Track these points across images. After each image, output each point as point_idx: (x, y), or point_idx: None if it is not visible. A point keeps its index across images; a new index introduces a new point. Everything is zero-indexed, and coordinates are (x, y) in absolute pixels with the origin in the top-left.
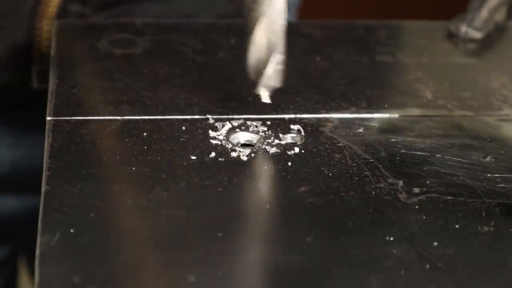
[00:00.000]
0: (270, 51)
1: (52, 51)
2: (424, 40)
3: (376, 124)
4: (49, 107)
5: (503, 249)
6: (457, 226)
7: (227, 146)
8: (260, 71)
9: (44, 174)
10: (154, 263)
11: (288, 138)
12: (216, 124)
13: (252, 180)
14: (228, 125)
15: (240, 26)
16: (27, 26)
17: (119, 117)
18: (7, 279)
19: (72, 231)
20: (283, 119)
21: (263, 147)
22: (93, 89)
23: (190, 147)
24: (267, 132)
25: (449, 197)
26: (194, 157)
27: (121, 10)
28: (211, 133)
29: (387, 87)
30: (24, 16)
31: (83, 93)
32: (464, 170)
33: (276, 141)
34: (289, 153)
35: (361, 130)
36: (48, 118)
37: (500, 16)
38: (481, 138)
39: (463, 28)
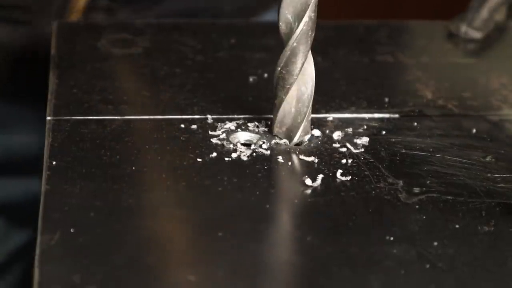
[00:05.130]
0: (300, 114)
1: (52, 51)
2: (424, 40)
3: (376, 124)
4: (49, 107)
5: (503, 249)
6: (457, 226)
7: (227, 146)
8: (290, 130)
9: (44, 174)
10: (154, 262)
11: None
12: (216, 123)
13: (252, 180)
14: (228, 125)
15: (240, 26)
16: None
17: (119, 117)
18: (28, 264)
19: (72, 230)
20: None
21: (263, 146)
22: (93, 89)
23: (190, 147)
24: (267, 132)
25: (449, 197)
26: (194, 157)
27: (147, 3)
28: (211, 133)
29: (387, 87)
30: (53, 11)
31: (83, 93)
32: (464, 170)
33: (276, 141)
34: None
35: (361, 130)
36: (48, 118)
37: (500, 16)
38: (481, 138)
39: (463, 28)
